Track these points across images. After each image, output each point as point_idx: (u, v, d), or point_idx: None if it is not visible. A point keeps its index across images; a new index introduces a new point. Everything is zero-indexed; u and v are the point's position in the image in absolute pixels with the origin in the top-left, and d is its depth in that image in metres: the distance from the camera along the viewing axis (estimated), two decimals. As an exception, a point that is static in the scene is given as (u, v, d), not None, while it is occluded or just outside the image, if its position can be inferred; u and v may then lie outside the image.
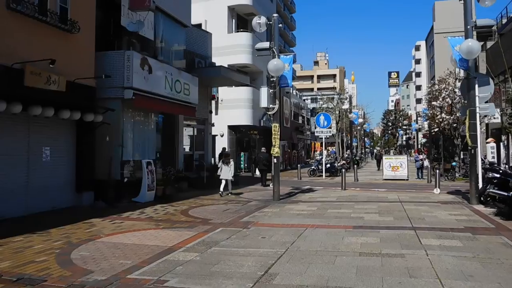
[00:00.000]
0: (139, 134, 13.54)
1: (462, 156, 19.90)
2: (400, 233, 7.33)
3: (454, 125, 19.62)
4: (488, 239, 6.77)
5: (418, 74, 69.41)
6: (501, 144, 24.44)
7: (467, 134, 10.39)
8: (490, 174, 9.88)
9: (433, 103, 19.87)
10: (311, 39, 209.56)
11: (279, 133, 12.63)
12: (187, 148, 18.05)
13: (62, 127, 10.26)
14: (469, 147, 10.51)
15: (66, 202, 10.23)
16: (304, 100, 54.66)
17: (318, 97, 48.81)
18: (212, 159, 19.33)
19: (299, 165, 22.24)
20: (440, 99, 19.40)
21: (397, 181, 18.97)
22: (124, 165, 12.30)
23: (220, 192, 13.66)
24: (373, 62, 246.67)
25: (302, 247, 6.42)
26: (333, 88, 40.13)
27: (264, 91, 12.56)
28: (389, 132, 74.55)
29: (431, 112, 20.87)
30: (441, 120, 19.54)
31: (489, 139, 22.63)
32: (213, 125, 18.80)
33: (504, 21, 31.21)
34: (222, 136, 24.73)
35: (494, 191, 9.27)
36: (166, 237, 7.28)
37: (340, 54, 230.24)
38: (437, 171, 13.57)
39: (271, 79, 12.71)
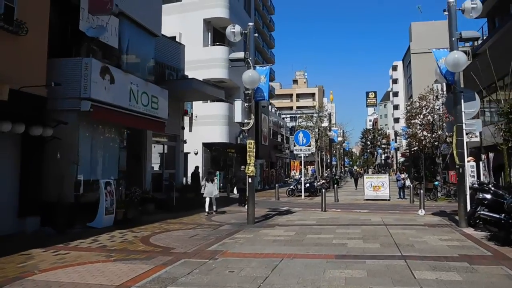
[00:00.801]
0: (98, 151, 12.29)
1: (443, 175, 19.39)
2: (389, 263, 6.36)
3: (435, 143, 19.14)
4: (488, 271, 5.88)
5: (395, 94, 70.49)
6: (481, 163, 24.23)
7: (454, 152, 9.67)
8: (481, 195, 9.13)
9: (413, 121, 19.41)
10: (290, 58, 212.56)
11: (254, 150, 11.62)
12: (156, 167, 16.81)
13: (3, 142, 8.94)
14: (456, 166, 9.76)
15: (5, 228, 8.80)
16: (283, 118, 54.19)
17: (297, 115, 48.44)
18: (184, 178, 18.09)
19: (277, 185, 21.22)
20: (421, 117, 18.94)
21: (379, 202, 18.18)
22: (79, 185, 10.97)
23: (206, 212, 13.67)
24: (351, 82, 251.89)
25: (277, 284, 5.34)
26: (313, 107, 39.76)
27: (238, 105, 11.62)
28: (368, 151, 74.88)
29: (411, 130, 20.42)
30: (422, 138, 19.04)
31: (469, 158, 22.31)
32: (185, 142, 17.67)
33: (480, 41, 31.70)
34: (196, 154, 23.58)
35: (485, 213, 8.48)
36: (114, 273, 6.06)
37: (319, 75, 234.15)
38: (421, 191, 12.80)
39: (246, 92, 11.81)
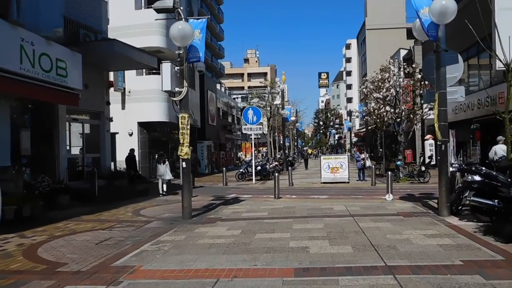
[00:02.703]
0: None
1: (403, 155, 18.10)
2: (373, 282, 4.29)
3: (398, 119, 17.66)
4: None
5: (348, 73, 70.23)
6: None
7: (436, 125, 7.83)
8: (469, 177, 7.39)
9: (375, 95, 17.75)
10: (240, 35, 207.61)
11: (188, 127, 9.12)
12: (75, 150, 13.78)
13: None
14: (438, 142, 7.94)
15: None
16: (234, 98, 51.66)
17: (249, 95, 46.08)
18: (112, 163, 15.20)
19: (224, 169, 18.86)
20: (384, 90, 17.32)
21: (338, 184, 16.48)
22: None
23: (161, 193, 13.77)
24: (304, 62, 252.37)
25: None
26: (264, 87, 37.72)
27: (166, 69, 8.97)
28: (321, 131, 74.53)
29: (371, 106, 18.81)
30: (384, 113, 17.46)
31: (427, 136, 21.28)
32: (111, 120, 14.70)
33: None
34: (131, 135, 20.58)
35: (475, 199, 6.77)
36: None
37: (271, 54, 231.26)
38: (389, 173, 11.06)
39: (177, 52, 9.20)
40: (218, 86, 40.86)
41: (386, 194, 11.05)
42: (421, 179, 16.22)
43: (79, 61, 11.64)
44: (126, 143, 20.33)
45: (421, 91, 18.18)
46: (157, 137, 22.11)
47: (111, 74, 19.92)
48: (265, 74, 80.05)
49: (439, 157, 7.90)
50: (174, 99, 9.20)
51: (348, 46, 72.31)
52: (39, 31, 10.52)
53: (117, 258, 5.75)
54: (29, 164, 11.59)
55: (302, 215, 8.85)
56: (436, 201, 9.94)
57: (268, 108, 30.76)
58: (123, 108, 20.84)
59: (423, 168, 16.35)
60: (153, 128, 21.36)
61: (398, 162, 16.89)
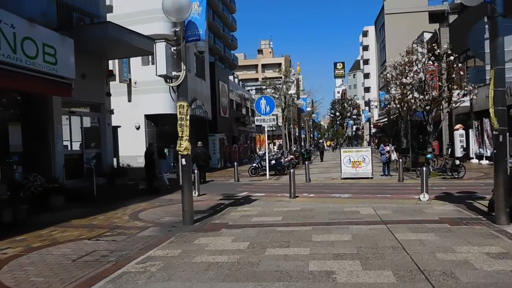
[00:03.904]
0: None
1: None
2: None
3: (427, 107, 15.90)
4: None
5: (366, 62, 67.66)
6: (470, 131, 21.56)
7: (491, 110, 6.27)
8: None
9: (402, 80, 15.97)
10: (254, 27, 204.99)
11: (188, 117, 7.81)
12: (75, 146, 12.68)
13: None
14: (494, 131, 6.39)
15: None
16: (248, 90, 50.20)
17: (263, 86, 44.50)
18: (115, 159, 14.07)
19: (235, 163, 17.52)
20: (411, 75, 15.55)
21: (360, 181, 14.95)
22: None
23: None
24: (319, 52, 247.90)
25: None
26: (279, 78, 36.18)
27: (160, 49, 7.64)
28: (338, 122, 72.38)
29: (398, 92, 17.05)
30: (412, 100, 15.72)
31: (457, 126, 19.46)
32: (111, 112, 13.52)
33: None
34: (138, 128, 19.48)
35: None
36: None
37: (285, 42, 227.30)
38: (423, 168, 9.49)
39: (173, 30, 7.87)
40: (231, 77, 39.49)
41: (420, 193, 9.51)
42: (455, 174, 14.55)
43: (70, 47, 10.42)
44: (133, 137, 19.31)
45: (453, 75, 16.38)
46: (165, 130, 20.92)
47: (116, 64, 18.83)
48: (279, 64, 78.01)
49: (495, 151, 6.35)
50: (171, 84, 7.87)
51: (365, 33, 69.60)
52: (23, 13, 9.34)
53: (89, 284, 4.51)
54: (21, 161, 10.54)
55: (323, 220, 7.45)
56: (483, 202, 8.42)
57: (283, 98, 29.19)
58: (129, 100, 19.73)
59: (457, 162, 14.65)
60: (161, 121, 20.19)
61: (428, 155, 15.20)
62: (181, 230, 7.09)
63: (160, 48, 7.69)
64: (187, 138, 7.73)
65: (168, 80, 7.94)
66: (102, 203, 10.59)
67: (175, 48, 7.81)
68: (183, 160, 7.75)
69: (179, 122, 7.78)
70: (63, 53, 10.06)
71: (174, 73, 7.78)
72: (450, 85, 17.05)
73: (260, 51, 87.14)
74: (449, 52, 16.46)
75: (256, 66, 79.55)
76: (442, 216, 7.36)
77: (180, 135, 7.74)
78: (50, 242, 6.51)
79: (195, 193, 12.02)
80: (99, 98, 13.14)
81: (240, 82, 48.47)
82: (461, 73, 17.20)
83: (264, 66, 78.18)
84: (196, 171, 12.34)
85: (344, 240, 5.88)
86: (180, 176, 7.84)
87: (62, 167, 11.16)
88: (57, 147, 11.12)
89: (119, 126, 14.87)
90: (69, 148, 12.27)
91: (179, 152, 7.77)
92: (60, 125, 11.32)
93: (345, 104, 72.19)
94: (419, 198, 9.53)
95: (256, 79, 73.39)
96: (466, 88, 16.57)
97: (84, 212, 9.23)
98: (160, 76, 7.83)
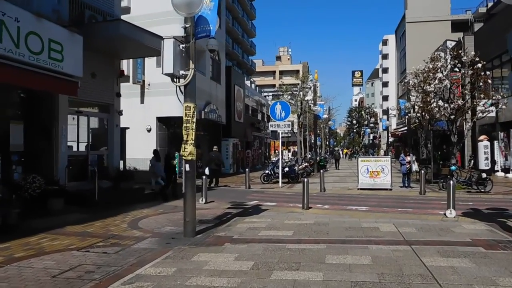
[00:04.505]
0: None
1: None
2: None
3: (452, 116, 14.95)
4: None
5: (385, 70, 66.45)
6: (496, 142, 20.43)
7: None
8: None
9: (426, 87, 15.08)
10: (273, 34, 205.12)
11: (194, 120, 7.23)
12: (80, 147, 12.27)
13: None
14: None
15: None
16: (265, 96, 49.66)
17: (279, 92, 43.83)
18: (121, 162, 13.61)
19: (247, 170, 16.85)
20: (436, 82, 14.64)
21: (378, 192, 14.09)
22: None
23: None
24: (337, 60, 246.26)
25: None
26: (296, 85, 35.50)
27: (168, 46, 7.13)
28: (354, 130, 71.00)
29: (419, 99, 16.11)
30: (437, 109, 14.79)
31: (482, 137, 18.29)
32: (120, 113, 13.09)
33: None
34: (149, 131, 19.10)
35: None
36: None
37: (304, 50, 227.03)
38: (450, 182, 8.65)
39: (182, 26, 7.33)
40: (248, 82, 39.01)
41: (446, 209, 8.67)
42: (481, 188, 13.56)
43: (79, 44, 10.02)
44: (144, 140, 18.92)
45: (481, 84, 15.43)
46: (177, 133, 20.44)
47: (130, 65, 18.54)
48: (297, 71, 77.41)
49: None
50: (178, 84, 7.32)
51: (385, 42, 68.46)
52: (32, 8, 9.00)
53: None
54: (22, 161, 10.15)
55: (339, 237, 6.72)
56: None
57: (299, 104, 28.47)
58: (142, 102, 19.40)
59: (483, 175, 13.66)
60: (173, 124, 19.74)
61: (453, 167, 14.23)
62: (180, 243, 6.47)
63: (168, 45, 7.18)
64: (192, 142, 7.14)
65: (175, 79, 7.41)
66: (104, 207, 10.10)
67: (184, 45, 7.29)
68: (187, 166, 7.16)
69: (184, 124, 7.21)
70: (70, 50, 9.65)
71: (182, 72, 7.25)
72: (476, 94, 16.10)
73: (278, 58, 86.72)
74: (477, 59, 15.53)
75: (274, 72, 79.07)
76: (474, 238, 6.54)
77: (185, 138, 7.17)
78: (35, 252, 5.97)
79: (202, 200, 11.45)
80: (108, 98, 12.74)
81: (257, 88, 48.04)
82: (489, 81, 16.25)
83: (282, 73, 77.63)
84: (204, 177, 11.76)
85: (363, 263, 5.15)
86: (183, 183, 7.25)
87: (65, 168, 10.73)
88: (61, 147, 10.71)
89: (128, 128, 14.46)
90: (75, 149, 11.85)
91: (183, 157, 7.18)
92: (65, 125, 10.92)
93: (363, 112, 70.84)
94: (444, 214, 8.71)
95: (274, 85, 72.84)
96: (494, 98, 15.61)
97: (82, 217, 8.73)
98: (166, 74, 7.31)
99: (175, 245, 6.40)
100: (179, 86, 7.32)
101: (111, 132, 12.85)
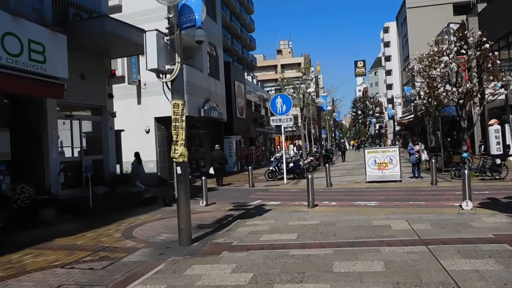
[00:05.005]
0: None
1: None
2: None
3: (461, 101, 14.21)
4: None
5: (387, 58, 65.38)
6: (506, 126, 19.59)
7: None
8: None
9: (432, 72, 14.34)
10: (273, 28, 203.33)
11: (184, 118, 6.66)
12: (75, 152, 11.78)
13: None
14: None
15: None
16: (268, 91, 48.94)
17: (281, 85, 43.10)
18: (118, 166, 13.10)
19: (249, 167, 16.24)
20: (442, 66, 13.90)
21: (388, 184, 13.45)
22: None
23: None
24: (338, 51, 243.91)
25: None
26: (298, 78, 34.78)
27: (151, 39, 6.55)
28: (360, 121, 70.07)
29: (428, 84, 15.32)
30: (444, 94, 14.05)
31: (492, 121, 17.44)
32: (114, 115, 12.56)
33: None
34: (148, 132, 18.57)
35: None
36: None
37: (304, 43, 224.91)
38: (466, 172, 8.01)
39: (166, 16, 6.73)
40: (249, 78, 38.33)
41: (462, 200, 8.04)
42: (496, 174, 12.88)
43: (63, 44, 9.46)
44: (143, 141, 18.41)
45: (489, 65, 14.65)
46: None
47: (124, 64, 18.01)
48: (298, 64, 76.45)
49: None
50: (164, 80, 6.74)
51: (386, 30, 67.26)
52: (8, 7, 8.47)
53: None
54: (10, 171, 9.68)
55: (347, 239, 6.13)
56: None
57: (301, 96, 27.77)
58: (139, 103, 18.87)
59: (498, 161, 12.95)
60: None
61: (464, 154, 13.52)
62: (174, 254, 5.92)
63: (151, 38, 6.60)
64: (183, 142, 6.56)
65: (160, 75, 6.83)
66: (99, 215, 9.60)
67: (168, 38, 6.70)
68: (179, 168, 6.58)
69: (173, 124, 6.63)
70: (53, 51, 9.10)
71: (167, 67, 6.67)
72: (484, 76, 15.32)
73: (279, 52, 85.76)
74: (484, 39, 14.75)
75: (275, 66, 78.19)
76: (496, 233, 5.91)
77: (174, 139, 6.59)
78: (15, 271, 5.45)
79: (202, 203, 10.92)
80: (100, 100, 12.21)
81: (259, 83, 47.32)
82: (498, 62, 15.46)
83: (284, 67, 76.68)
84: (203, 178, 11.20)
85: (375, 270, 4.55)
86: (175, 187, 6.70)
87: (57, 175, 10.23)
88: (51, 154, 10.20)
89: (122, 130, 13.93)
90: (68, 155, 11.36)
91: (174, 159, 6.60)
92: (55, 130, 10.40)
93: (367, 102, 69.85)
94: (460, 206, 8.08)
95: (276, 80, 71.83)
96: (504, 79, 14.83)
97: (74, 228, 8.23)
98: (151, 70, 6.72)
99: (168, 256, 5.86)
100: (166, 82, 6.75)
101: (105, 135, 12.33)
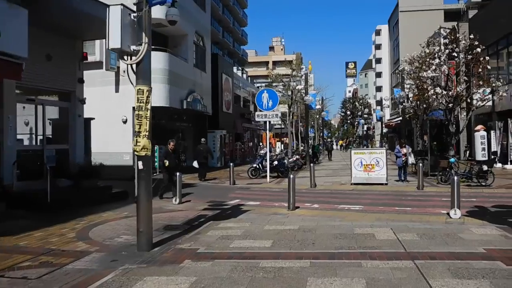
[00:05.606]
0: None
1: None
2: None
3: (450, 105, 13.73)
4: None
5: (378, 60, 65.28)
6: (492, 132, 19.29)
7: None
8: None
9: (422, 74, 13.84)
10: (266, 24, 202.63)
11: (148, 106, 5.91)
12: (36, 140, 10.84)
13: None
14: None
15: None
16: (258, 87, 48.18)
17: (273, 83, 42.39)
18: (87, 157, 12.17)
19: (231, 164, 15.52)
20: (433, 68, 13.41)
21: (373, 187, 12.88)
22: None
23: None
24: (331, 51, 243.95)
25: None
26: (288, 75, 34.15)
27: (114, 16, 5.73)
28: (348, 121, 69.86)
29: (417, 86, 14.82)
30: (434, 97, 13.56)
31: (479, 127, 17.10)
32: (83, 102, 11.65)
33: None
34: (125, 122, 17.67)
35: None
36: None
37: (297, 41, 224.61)
38: (455, 178, 7.44)
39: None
40: (239, 73, 37.50)
41: (450, 208, 7.48)
42: (482, 181, 12.44)
43: (23, 19, 8.47)
44: (120, 132, 17.51)
45: (480, 70, 14.22)
46: (159, 125, 19.07)
47: (103, 49, 17.05)
48: (290, 62, 75.83)
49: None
50: (128, 62, 5.95)
51: (378, 32, 67.13)
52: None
53: None
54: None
55: (327, 249, 5.46)
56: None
57: (289, 93, 27.11)
58: (116, 91, 17.92)
59: (485, 167, 12.50)
60: (153, 114, 18.33)
61: (452, 159, 13.04)
62: (129, 261, 5.15)
63: (115, 14, 5.77)
64: (146, 134, 5.82)
65: (125, 56, 6.04)
66: (58, 211, 8.73)
67: (135, 14, 5.90)
68: (140, 163, 5.82)
69: (136, 112, 5.92)
70: (10, 26, 8.11)
71: (133, 47, 5.87)
72: (474, 81, 14.90)
73: (271, 48, 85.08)
74: (476, 43, 14.30)
75: (267, 63, 77.38)
76: (488, 247, 5.33)
77: (137, 129, 5.86)
78: None
79: (175, 200, 10.15)
80: (68, 84, 11.27)
81: (249, 78, 46.50)
82: (488, 67, 15.06)
83: (275, 63, 75.88)
84: (178, 173, 10.40)
85: (355, 292, 3.88)
86: (135, 184, 5.94)
87: (13, 165, 9.30)
88: (6, 141, 9.25)
89: (93, 118, 12.99)
90: (27, 143, 10.43)
91: (135, 153, 5.84)
92: (13, 114, 9.45)
93: (356, 103, 69.68)
94: (448, 214, 7.54)
95: (267, 76, 71.17)
96: (494, 85, 14.44)
97: (24, 225, 7.36)
98: (113, 50, 5.96)
99: (121, 263, 5.08)
100: (130, 65, 5.96)
101: (72, 123, 11.39)
